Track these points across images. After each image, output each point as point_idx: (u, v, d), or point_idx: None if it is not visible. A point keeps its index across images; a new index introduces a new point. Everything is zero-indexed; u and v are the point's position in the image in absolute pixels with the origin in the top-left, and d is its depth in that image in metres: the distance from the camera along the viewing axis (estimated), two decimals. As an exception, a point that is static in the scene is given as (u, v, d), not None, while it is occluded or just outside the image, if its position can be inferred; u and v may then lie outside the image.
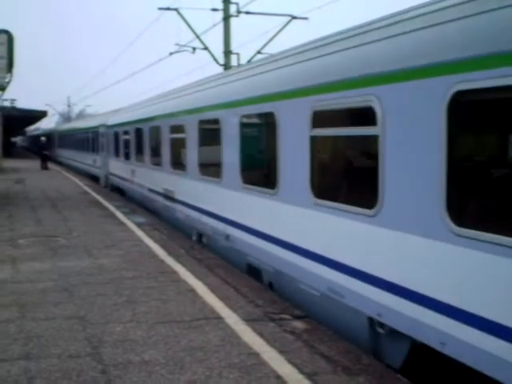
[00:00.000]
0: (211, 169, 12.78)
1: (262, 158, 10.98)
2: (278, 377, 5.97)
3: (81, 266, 11.09)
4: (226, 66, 24.37)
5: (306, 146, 8.35)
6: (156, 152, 18.15)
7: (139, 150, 20.71)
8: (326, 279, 7.88)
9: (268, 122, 9.82)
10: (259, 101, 10.02)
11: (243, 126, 11.00)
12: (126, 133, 23.46)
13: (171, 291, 9.27)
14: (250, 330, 7.39)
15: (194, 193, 14.07)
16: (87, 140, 37.63)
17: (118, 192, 26.29)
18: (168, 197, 16.53)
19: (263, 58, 12.04)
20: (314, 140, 8.24)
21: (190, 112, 14.29)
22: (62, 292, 9.26)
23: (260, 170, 11.02)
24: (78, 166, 43.18)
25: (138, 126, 20.68)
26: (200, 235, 14.01)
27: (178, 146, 15.51)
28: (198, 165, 13.62)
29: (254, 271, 10.57)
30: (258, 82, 10.47)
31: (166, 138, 16.67)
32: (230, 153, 11.42)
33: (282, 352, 6.65)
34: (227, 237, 11.66)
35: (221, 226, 12.11)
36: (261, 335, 7.21)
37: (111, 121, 27.99)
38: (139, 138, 20.56)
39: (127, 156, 23.29)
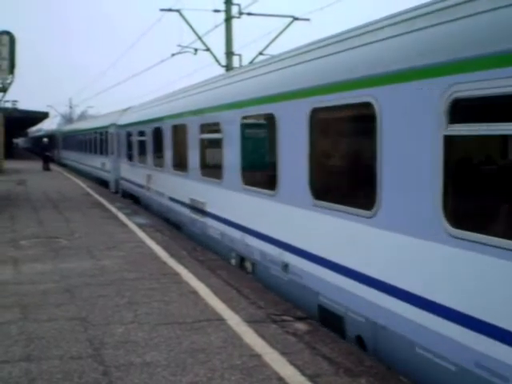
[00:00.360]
0: (259, 177, 10.82)
1: (347, 164, 8.15)
2: (280, 378, 5.96)
3: (82, 267, 11.08)
4: (228, 67, 24.36)
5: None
6: (180, 155, 15.73)
7: (158, 153, 18.41)
8: (476, 351, 5.28)
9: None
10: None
11: (322, 122, 8.45)
12: (141, 133, 21.01)
13: (173, 293, 9.26)
14: (251, 332, 7.38)
15: (235, 206, 11.52)
16: (95, 141, 34.94)
17: (132, 199, 23.71)
18: (196, 209, 14.10)
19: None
20: None
21: (229, 107, 11.77)
22: (63, 293, 9.26)
23: (345, 180, 8.18)
24: (85, 170, 40.30)
25: (157, 125, 18.30)
26: (242, 259, 11.32)
27: (210, 149, 13.34)
28: (241, 172, 11.10)
29: (330, 317, 7.87)
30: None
31: (193, 138, 14.18)
32: (292, 157, 8.90)
33: (283, 354, 6.64)
34: (285, 266, 9.19)
35: (275, 250, 9.56)
36: (263, 337, 7.19)
37: (123, 120, 25.62)
38: (158, 139, 18.15)
39: (143, 159, 20.92)
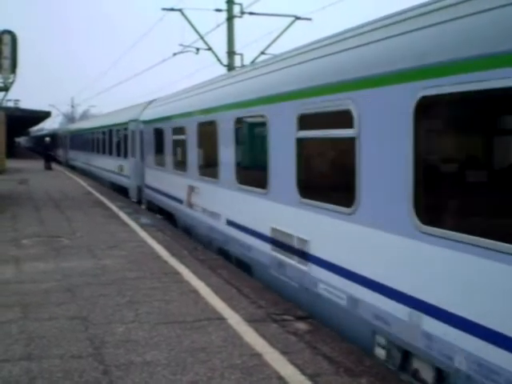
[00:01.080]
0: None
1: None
2: (280, 378, 5.96)
3: (84, 266, 11.10)
4: (230, 66, 24.37)
5: None
6: (253, 163, 11.33)
7: (208, 158, 13.65)
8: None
9: None
10: None
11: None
12: (178, 130, 16.04)
13: (174, 292, 9.26)
14: (252, 331, 7.38)
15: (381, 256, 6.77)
16: (109, 141, 30.18)
17: (162, 215, 18.70)
18: (286, 247, 9.21)
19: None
20: None
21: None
22: (64, 292, 9.27)
23: None
24: (97, 173, 35.30)
25: (207, 118, 13.38)
26: (406, 355, 6.39)
27: (318, 156, 8.86)
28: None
29: None
30: None
31: (284, 138, 9.16)
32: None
33: (284, 353, 6.64)
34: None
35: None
36: (263, 336, 7.19)
37: (149, 114, 20.74)
38: (208, 138, 13.33)
39: (181, 165, 15.76)
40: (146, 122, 20.99)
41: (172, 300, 8.80)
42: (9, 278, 10.19)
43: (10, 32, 21.85)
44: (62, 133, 60.92)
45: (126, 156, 25.47)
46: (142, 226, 16.18)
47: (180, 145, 15.82)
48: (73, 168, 48.34)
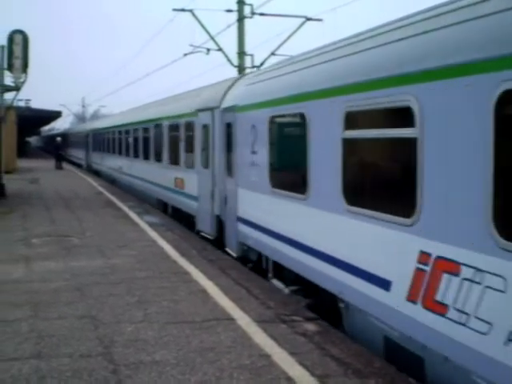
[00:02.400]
0: None
1: None
2: (289, 379, 5.95)
3: (93, 265, 11.13)
4: (240, 67, 24.37)
5: None
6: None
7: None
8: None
9: None
10: None
11: None
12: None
13: (183, 292, 9.27)
14: (261, 332, 7.38)
15: None
16: (158, 141, 21.00)
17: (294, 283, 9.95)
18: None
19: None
20: None
21: None
22: (74, 291, 9.29)
23: None
24: (134, 184, 26.11)
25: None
26: None
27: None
28: None
29: None
30: None
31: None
32: None
33: (293, 354, 6.63)
34: None
35: None
36: (272, 337, 7.19)
37: (246, 96, 12.07)
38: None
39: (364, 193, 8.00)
40: (241, 109, 11.92)
41: (181, 300, 8.81)
42: (19, 277, 10.23)
43: (21, 32, 21.95)
44: (81, 131, 52.00)
45: (190, 165, 16.52)
46: (152, 225, 16.20)
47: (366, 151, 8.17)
48: (96, 174, 39.84)
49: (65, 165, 48.82)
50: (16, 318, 7.88)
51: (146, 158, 23.09)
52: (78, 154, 54.51)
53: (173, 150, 18.85)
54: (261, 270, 11.01)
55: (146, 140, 23.28)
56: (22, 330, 7.43)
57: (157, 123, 21.18)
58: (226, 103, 13.23)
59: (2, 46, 21.93)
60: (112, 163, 32.94)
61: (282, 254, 9.82)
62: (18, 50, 21.66)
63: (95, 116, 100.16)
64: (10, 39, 21.68)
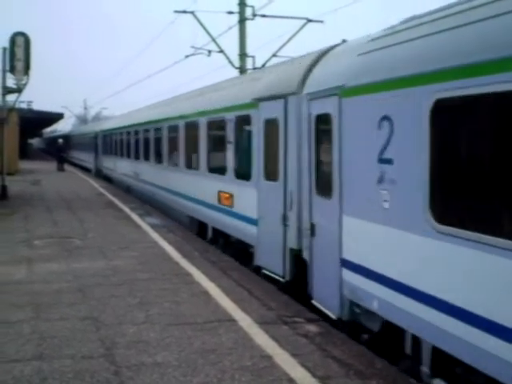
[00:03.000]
0: None
1: None
2: (291, 380, 5.96)
3: (95, 267, 11.14)
4: (242, 69, 24.39)
5: None
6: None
7: None
8: None
9: None
10: None
11: None
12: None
13: (185, 293, 9.28)
14: (262, 333, 7.38)
15: None
16: (193, 143, 15.83)
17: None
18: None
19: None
20: None
21: None
22: (76, 293, 9.30)
23: None
24: (158, 196, 20.83)
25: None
26: None
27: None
28: None
29: None
30: None
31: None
32: None
33: (294, 355, 6.63)
34: None
35: None
36: (274, 338, 7.19)
37: (355, 75, 7.68)
38: None
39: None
40: (357, 91, 7.64)
41: (183, 301, 8.82)
42: (21, 279, 10.24)
43: (23, 34, 21.98)
44: (89, 132, 46.38)
45: (243, 175, 11.94)
46: (154, 227, 16.21)
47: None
48: (107, 179, 35.48)
49: (70, 168, 48.83)
50: (18, 320, 7.89)
51: (174, 163, 18.00)
52: (85, 157, 49.62)
53: (214, 154, 14.25)
54: (384, 345, 7.25)
55: (172, 141, 18.46)
56: (23, 331, 7.44)
57: (189, 120, 16.34)
58: (315, 86, 8.86)
59: (4, 48, 21.98)
60: (127, 169, 27.88)
61: (464, 343, 5.38)
62: (19, 52, 21.69)
63: (97, 118, 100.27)
64: (12, 41, 21.72)
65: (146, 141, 23.03)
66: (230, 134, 12.71)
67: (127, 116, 31.13)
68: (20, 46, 21.66)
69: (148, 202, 22.51)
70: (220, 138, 13.57)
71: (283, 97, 9.85)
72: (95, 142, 40.95)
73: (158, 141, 20.55)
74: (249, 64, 24.35)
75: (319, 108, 8.55)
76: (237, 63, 24.76)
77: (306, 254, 9.02)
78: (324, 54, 9.43)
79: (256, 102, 11.05)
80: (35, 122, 55.06)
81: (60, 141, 50.02)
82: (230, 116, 12.69)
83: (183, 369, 6.24)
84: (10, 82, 22.48)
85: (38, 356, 6.61)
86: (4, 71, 22.33)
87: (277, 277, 9.99)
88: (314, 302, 8.62)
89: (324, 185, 8.43)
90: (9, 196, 23.82)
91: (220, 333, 7.39)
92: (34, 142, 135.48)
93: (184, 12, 24.77)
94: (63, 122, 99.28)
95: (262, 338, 7.19)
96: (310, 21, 23.56)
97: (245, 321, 7.88)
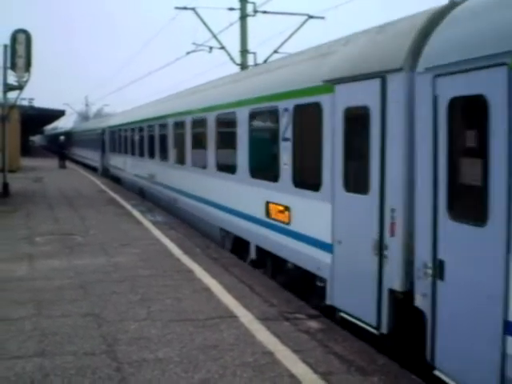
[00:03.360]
0: None
1: None
2: (292, 376, 5.96)
3: (97, 263, 11.14)
4: (243, 65, 24.37)
5: None
6: None
7: None
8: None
9: None
10: None
11: None
12: None
13: (186, 290, 9.28)
14: (264, 329, 7.38)
15: None
16: (229, 139, 12.88)
17: None
18: None
19: None
20: None
21: None
22: (77, 289, 9.31)
23: None
24: (180, 203, 17.49)
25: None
26: None
27: None
28: None
29: None
30: None
31: None
32: None
33: (296, 351, 6.64)
34: None
35: None
36: (275, 334, 7.19)
37: None
38: None
39: None
40: None
41: (184, 298, 8.82)
42: (22, 275, 10.25)
43: (24, 31, 21.96)
44: (94, 128, 42.84)
45: (307, 183, 9.23)
46: (155, 223, 16.21)
47: None
48: (115, 180, 32.54)
49: (72, 165, 48.81)
50: (20, 316, 7.90)
51: (201, 165, 14.85)
52: (90, 155, 46.28)
53: (260, 154, 11.37)
54: None
55: (198, 138, 15.31)
56: (25, 328, 7.45)
57: (222, 112, 13.31)
58: (447, 55, 5.99)
59: (5, 46, 21.97)
60: (140, 169, 24.74)
61: None
62: (21, 49, 21.67)
63: (98, 115, 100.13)
64: (13, 38, 21.69)
65: (163, 137, 19.79)
66: (286, 128, 9.72)
67: (140, 109, 27.25)
68: (21, 43, 21.64)
69: (166, 209, 19.30)
70: (269, 133, 10.76)
71: (379, 76, 7.17)
72: (102, 139, 37.87)
73: (180, 137, 17.17)
74: (250, 60, 24.33)
75: (462, 87, 5.77)
76: (238, 60, 24.75)
77: (421, 303, 6.27)
78: (445, 12, 6.55)
79: (329, 84, 8.21)
80: (37, 119, 55.03)
81: (62, 138, 50.03)
82: (286, 105, 9.72)
83: (185, 365, 6.24)
84: (12, 79, 22.48)
85: (40, 352, 6.61)
86: (5, 68, 22.31)
87: (366, 326, 7.28)
88: (438, 373, 5.99)
89: (469, 204, 5.87)
90: (10, 193, 23.82)
91: (222, 329, 7.39)
92: (36, 139, 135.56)
93: (185, 8, 24.73)
94: (65, 119, 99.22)
95: (263, 335, 7.19)
96: (311, 17, 23.51)
97: (246, 317, 7.88)
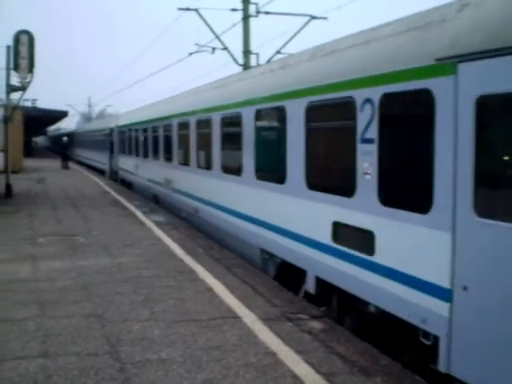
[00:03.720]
0: None
1: None
2: (295, 376, 5.96)
3: (100, 264, 11.15)
4: (246, 66, 24.38)
5: None
6: None
7: None
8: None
9: None
10: None
11: None
12: None
13: (189, 290, 9.29)
14: (267, 330, 7.39)
15: None
16: (274, 140, 10.63)
17: None
18: None
19: None
20: None
21: None
22: (80, 290, 9.32)
23: None
24: (206, 215, 14.79)
25: None
26: None
27: None
28: None
29: None
30: None
31: None
32: None
33: (298, 352, 6.64)
34: None
35: None
36: (278, 335, 7.20)
37: None
38: None
39: None
40: None
41: (187, 298, 8.83)
42: (26, 276, 10.26)
43: (27, 32, 21.99)
44: (101, 128, 40.24)
45: (410, 203, 6.57)
46: (158, 224, 16.22)
47: None
48: (124, 184, 30.28)
49: (75, 166, 48.85)
50: (23, 317, 7.91)
51: (234, 171, 12.42)
52: (96, 157, 43.57)
53: (323, 158, 9.03)
54: None
55: (228, 139, 13.10)
56: (28, 328, 7.46)
57: (264, 107, 10.84)
58: None
59: (8, 47, 22.01)
60: (154, 173, 22.18)
61: None
62: (23, 50, 21.71)
63: (101, 115, 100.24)
64: (16, 39, 21.73)
65: (182, 138, 17.17)
66: (367, 125, 7.29)
67: (154, 107, 24.37)
68: (24, 44, 21.67)
69: (186, 219, 17.00)
70: (338, 132, 8.44)
71: None
72: (110, 140, 34.84)
73: (205, 138, 14.65)
74: (253, 61, 24.35)
75: None
76: (241, 60, 24.76)
77: None
78: None
79: (448, 63, 5.87)
80: (39, 120, 55.12)
81: (64, 139, 50.05)
82: (367, 94, 7.30)
83: (188, 365, 6.25)
84: (15, 80, 22.55)
85: (43, 353, 6.63)
86: (8, 69, 22.36)
87: None
88: None
89: None
90: (13, 194, 23.86)
91: (224, 329, 7.40)
92: (39, 140, 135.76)
93: (188, 9, 24.75)
94: (67, 120, 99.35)
95: (266, 335, 7.19)
96: (313, 18, 23.53)
97: (249, 317, 7.88)
